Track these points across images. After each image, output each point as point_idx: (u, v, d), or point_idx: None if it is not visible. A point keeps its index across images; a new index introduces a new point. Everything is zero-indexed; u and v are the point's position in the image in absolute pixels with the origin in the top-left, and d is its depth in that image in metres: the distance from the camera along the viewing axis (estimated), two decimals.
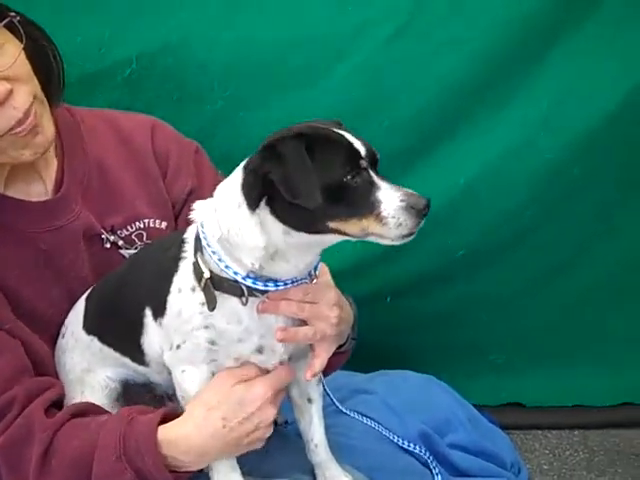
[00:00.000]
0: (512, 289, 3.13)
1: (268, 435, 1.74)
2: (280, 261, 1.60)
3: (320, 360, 1.74)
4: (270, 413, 1.69)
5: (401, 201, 1.50)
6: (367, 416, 2.18)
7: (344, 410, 2.13)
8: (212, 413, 1.67)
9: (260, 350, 1.69)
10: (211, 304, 1.62)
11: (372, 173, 1.53)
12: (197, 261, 1.63)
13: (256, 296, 1.63)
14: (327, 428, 1.94)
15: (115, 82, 2.59)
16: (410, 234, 1.53)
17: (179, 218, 2.10)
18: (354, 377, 2.47)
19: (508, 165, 2.87)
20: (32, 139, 1.78)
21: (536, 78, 2.79)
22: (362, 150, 1.54)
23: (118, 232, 2.00)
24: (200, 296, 1.64)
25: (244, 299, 1.62)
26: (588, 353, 3.25)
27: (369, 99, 2.73)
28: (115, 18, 2.54)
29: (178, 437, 1.68)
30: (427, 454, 2.14)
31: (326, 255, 2.65)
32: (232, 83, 2.66)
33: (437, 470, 2.11)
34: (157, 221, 2.05)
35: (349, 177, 1.51)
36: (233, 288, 1.61)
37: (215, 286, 1.62)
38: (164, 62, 2.59)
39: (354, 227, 1.52)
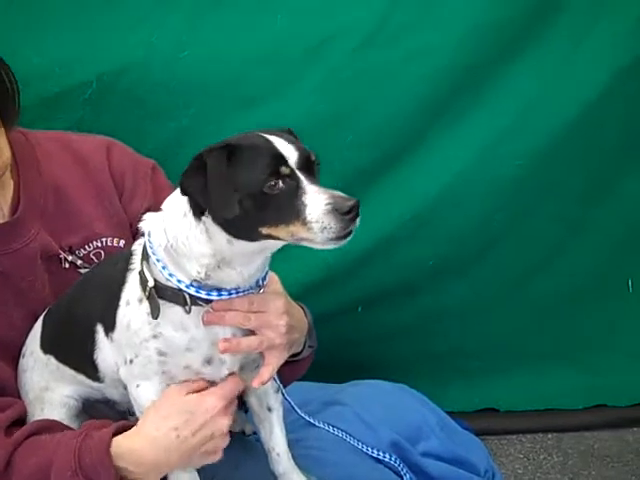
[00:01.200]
0: (483, 296, 3.16)
1: (224, 446, 1.73)
2: (226, 268, 1.59)
3: (269, 368, 1.73)
4: (222, 423, 1.68)
5: (326, 205, 1.48)
6: (338, 428, 2.17)
7: (312, 421, 2.12)
8: (164, 424, 1.66)
9: (209, 361, 1.68)
10: (154, 312, 1.62)
11: (302, 177, 1.51)
12: (142, 270, 1.64)
13: (201, 305, 1.63)
14: (297, 441, 1.94)
15: (77, 102, 2.59)
16: (339, 237, 1.50)
17: (136, 237, 2.09)
18: (325, 389, 2.46)
19: (475, 174, 2.90)
20: None
21: (503, 87, 2.83)
22: (290, 155, 1.52)
23: (76, 252, 1.99)
24: (147, 306, 1.64)
25: (187, 307, 1.62)
26: (560, 357, 3.28)
27: (335, 112, 2.75)
28: (75, 38, 2.54)
29: (131, 450, 1.67)
30: (399, 463, 2.13)
31: (296, 265, 2.67)
32: (196, 100, 2.66)
33: (409, 478, 2.10)
34: (115, 239, 2.05)
35: (270, 184, 1.50)
36: (176, 297, 1.61)
37: (159, 294, 1.62)
38: (125, 81, 2.59)
39: (284, 233, 1.51)
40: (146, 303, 1.63)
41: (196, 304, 1.62)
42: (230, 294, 1.63)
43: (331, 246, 1.53)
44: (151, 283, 1.61)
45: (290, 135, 1.60)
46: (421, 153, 2.88)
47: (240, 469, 1.96)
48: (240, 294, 1.64)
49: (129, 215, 2.09)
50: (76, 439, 1.68)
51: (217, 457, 1.73)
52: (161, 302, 1.62)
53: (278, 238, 1.53)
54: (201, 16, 2.61)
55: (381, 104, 2.76)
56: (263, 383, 1.74)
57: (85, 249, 2.00)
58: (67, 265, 1.97)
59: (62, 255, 1.97)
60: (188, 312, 1.62)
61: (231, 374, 1.72)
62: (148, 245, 1.64)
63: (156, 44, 2.58)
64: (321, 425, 2.14)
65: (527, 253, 3.12)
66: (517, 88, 2.83)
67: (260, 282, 1.69)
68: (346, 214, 1.47)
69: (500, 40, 2.76)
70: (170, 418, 1.66)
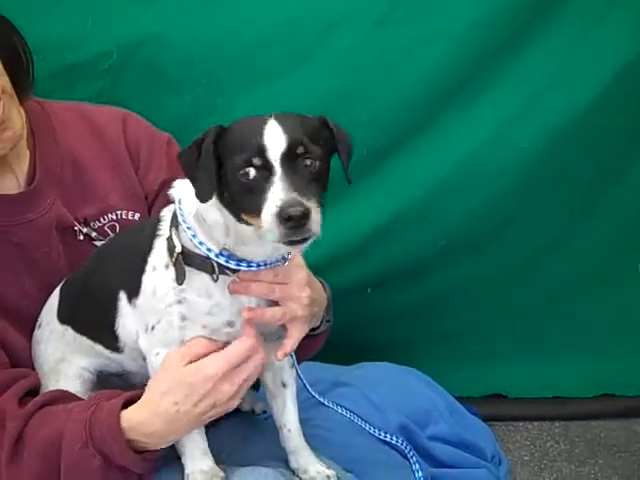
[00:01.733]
0: (493, 278, 3.14)
1: (233, 406, 1.71)
2: (243, 246, 1.61)
3: (292, 340, 1.73)
4: (225, 390, 1.65)
5: (275, 207, 1.44)
6: (346, 408, 2.17)
7: (322, 401, 2.12)
8: (164, 398, 1.65)
9: (230, 324, 1.68)
10: (180, 278, 1.62)
11: (277, 170, 1.47)
12: (171, 236, 1.64)
13: (227, 274, 1.63)
14: (305, 420, 1.94)
15: (97, 73, 2.60)
16: (290, 242, 1.48)
17: (152, 210, 2.10)
18: (333, 370, 2.46)
19: (488, 155, 2.88)
20: (0, 134, 1.78)
21: (515, 69, 2.81)
22: (274, 146, 1.49)
23: (91, 224, 2.00)
24: (173, 272, 1.64)
25: (215, 276, 1.62)
26: (569, 344, 3.26)
27: (349, 89, 2.74)
28: (96, 9, 2.55)
29: (138, 423, 1.67)
30: (406, 446, 2.13)
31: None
32: (213, 73, 2.67)
33: (415, 460, 2.10)
34: (130, 213, 2.05)
35: (243, 171, 1.50)
36: (204, 264, 1.62)
37: (186, 261, 1.62)
38: (144, 53, 2.60)
39: (256, 222, 1.50)
40: (172, 269, 1.64)
41: (223, 273, 1.63)
42: (259, 266, 1.64)
43: (288, 248, 1.54)
44: (178, 249, 1.62)
45: (297, 122, 1.55)
46: (432, 134, 2.86)
47: (247, 444, 1.97)
48: (267, 266, 1.65)
49: (144, 188, 2.10)
50: (86, 411, 1.69)
51: (230, 407, 1.71)
52: (187, 269, 1.62)
53: (257, 226, 1.51)
54: None
55: (393, 85, 2.76)
56: (286, 354, 1.74)
57: (100, 221, 2.01)
58: (82, 237, 1.98)
59: (77, 227, 1.97)
60: (215, 280, 1.63)
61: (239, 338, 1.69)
62: (179, 212, 1.64)
63: (175, 17, 2.59)
64: (330, 405, 2.14)
65: (536, 236, 3.10)
66: (528, 73, 2.80)
67: (285, 255, 1.69)
68: (286, 221, 1.44)
69: (512, 24, 2.73)
70: (169, 393, 1.65)
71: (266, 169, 1.48)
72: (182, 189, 1.66)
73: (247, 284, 1.65)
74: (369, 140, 2.77)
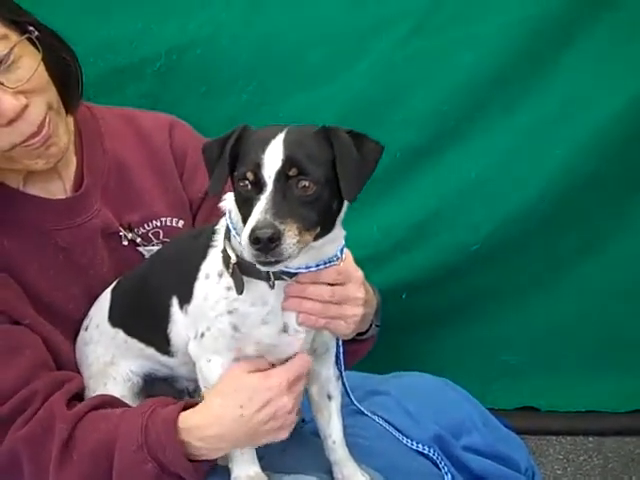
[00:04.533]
0: (524, 287, 3.15)
1: (291, 424, 1.73)
2: None
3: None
4: (287, 401, 1.68)
5: (250, 226, 1.45)
6: (382, 417, 2.17)
7: (362, 409, 2.12)
8: (229, 401, 1.67)
9: (285, 329, 1.69)
10: (239, 288, 1.63)
11: (268, 188, 1.48)
12: (225, 248, 1.65)
13: (284, 279, 1.64)
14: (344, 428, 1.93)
15: (145, 75, 2.67)
16: (262, 263, 1.49)
17: (196, 217, 2.12)
18: (368, 378, 2.45)
19: (521, 160, 2.90)
20: (45, 151, 1.81)
21: (549, 76, 2.83)
22: (270, 163, 1.49)
23: (135, 230, 2.02)
24: (226, 281, 1.65)
25: (271, 282, 1.63)
26: (604, 358, 3.24)
27: (385, 95, 2.79)
28: (146, 14, 2.63)
29: (197, 426, 1.69)
30: (438, 456, 2.13)
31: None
32: (256, 77, 2.74)
33: (447, 471, 2.10)
34: (174, 220, 2.07)
35: (241, 183, 1.52)
36: (259, 272, 1.61)
37: (242, 271, 1.62)
38: (192, 56, 2.67)
39: None
40: (225, 278, 1.65)
41: (279, 278, 1.63)
42: (318, 266, 1.64)
43: (262, 268, 1.54)
44: (234, 259, 1.62)
45: (303, 140, 1.54)
46: (465, 138, 2.88)
47: (286, 452, 1.96)
48: (326, 265, 1.65)
49: (189, 195, 2.11)
50: (142, 415, 1.70)
51: (284, 435, 1.74)
52: (244, 278, 1.63)
53: None
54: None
55: (429, 89, 2.79)
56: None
57: (144, 227, 2.03)
58: (126, 243, 2.00)
59: (122, 232, 1.99)
60: (272, 287, 1.63)
61: (297, 354, 1.73)
62: (229, 223, 1.65)
63: (224, 22, 2.66)
64: (369, 414, 2.14)
65: (570, 244, 3.09)
66: (562, 79, 2.82)
67: (339, 254, 1.68)
68: (255, 243, 1.44)
69: (548, 32, 2.75)
70: (234, 395, 1.67)
71: (258, 185, 1.50)
72: (231, 200, 1.66)
73: (304, 287, 1.65)
74: (404, 142, 2.81)
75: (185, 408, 1.72)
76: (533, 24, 2.73)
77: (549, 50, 2.79)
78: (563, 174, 2.92)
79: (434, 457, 2.12)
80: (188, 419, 1.69)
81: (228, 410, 1.67)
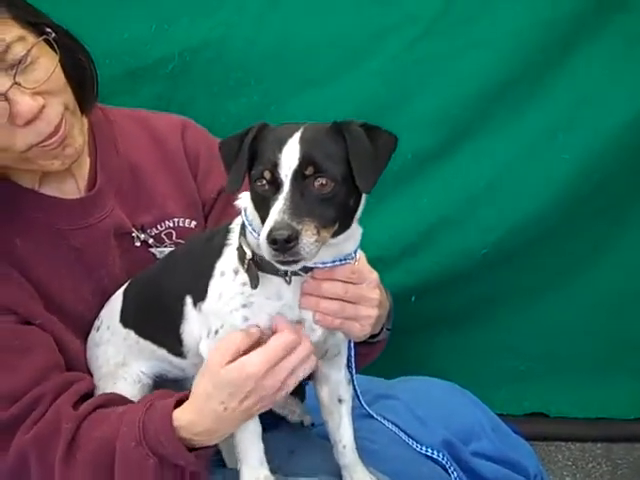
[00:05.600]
0: (535, 289, 3.14)
1: (282, 398, 1.71)
2: None
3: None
4: (269, 385, 1.64)
5: (268, 227, 1.46)
6: (391, 421, 2.17)
7: (372, 413, 2.12)
8: (210, 399, 1.65)
9: (300, 322, 1.69)
10: (253, 282, 1.63)
11: (285, 187, 1.49)
12: (240, 245, 1.65)
13: (300, 274, 1.64)
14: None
15: (158, 76, 2.68)
16: (281, 262, 1.49)
17: (209, 218, 2.12)
18: (377, 382, 2.46)
19: (529, 166, 2.89)
20: (62, 151, 1.82)
21: (556, 81, 2.82)
22: (287, 162, 1.50)
23: (148, 231, 2.03)
24: (242, 277, 1.65)
25: (288, 278, 1.63)
26: (613, 364, 3.23)
27: (394, 98, 2.79)
28: (160, 16, 2.64)
29: (187, 423, 1.68)
30: (447, 461, 2.12)
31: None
32: (267, 78, 2.74)
33: (456, 476, 2.10)
34: (187, 220, 2.07)
35: (259, 183, 1.53)
36: (275, 268, 1.60)
37: (258, 267, 1.62)
38: (204, 58, 2.68)
39: None
40: (241, 274, 1.65)
41: (296, 274, 1.63)
42: (334, 262, 1.64)
43: (281, 267, 1.54)
44: (249, 255, 1.62)
45: (319, 138, 1.55)
46: (474, 142, 2.88)
47: (296, 456, 1.98)
48: (342, 262, 1.65)
49: (202, 196, 2.12)
50: (140, 411, 1.71)
51: (280, 398, 1.71)
52: (259, 274, 1.62)
53: None
54: (278, 1, 2.68)
55: (438, 92, 2.79)
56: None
57: (157, 228, 2.04)
58: (139, 243, 2.01)
59: (134, 233, 2.00)
60: (289, 282, 1.63)
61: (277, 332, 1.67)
62: (245, 220, 1.65)
63: (236, 23, 2.67)
64: (379, 418, 2.14)
65: (578, 249, 3.09)
66: (571, 84, 2.81)
67: (354, 254, 1.69)
68: (272, 243, 1.45)
69: (557, 36, 2.75)
70: (214, 393, 1.65)
71: (275, 184, 1.50)
72: (247, 199, 1.67)
73: (319, 283, 1.65)
74: (412, 145, 2.80)
75: (181, 400, 1.71)
76: (542, 28, 2.73)
77: (558, 54, 2.78)
78: (572, 179, 2.91)
79: (443, 462, 2.12)
80: (180, 417, 1.68)
81: (212, 407, 1.66)
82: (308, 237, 1.46)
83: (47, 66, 1.75)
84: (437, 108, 2.81)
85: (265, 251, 1.47)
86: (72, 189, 1.97)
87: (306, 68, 2.75)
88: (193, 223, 2.08)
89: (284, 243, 1.43)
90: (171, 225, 2.05)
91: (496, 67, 2.76)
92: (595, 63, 2.79)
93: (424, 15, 2.72)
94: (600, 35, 2.77)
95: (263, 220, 1.50)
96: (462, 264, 3.01)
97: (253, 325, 1.66)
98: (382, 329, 1.96)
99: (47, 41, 1.77)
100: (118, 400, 1.84)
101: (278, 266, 1.53)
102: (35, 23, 1.77)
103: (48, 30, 1.77)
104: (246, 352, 1.64)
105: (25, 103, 1.71)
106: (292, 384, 1.69)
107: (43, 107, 1.73)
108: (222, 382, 1.64)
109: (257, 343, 1.66)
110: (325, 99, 2.74)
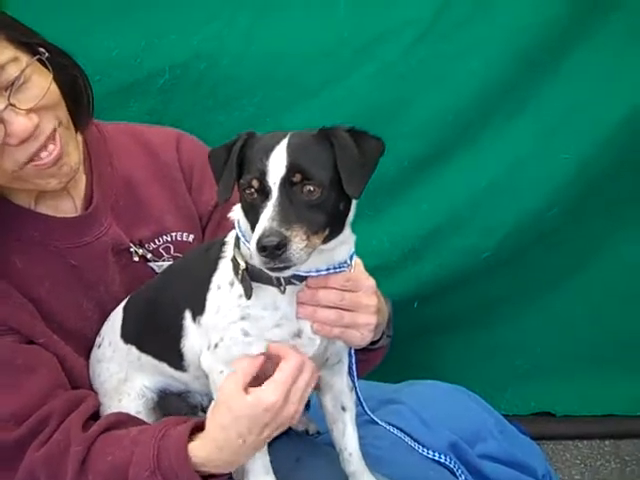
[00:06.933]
0: (538, 290, 3.14)
1: (296, 419, 1.71)
2: None
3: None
4: (287, 413, 1.65)
5: (257, 234, 1.47)
6: (396, 426, 2.16)
7: (376, 420, 2.12)
8: (228, 433, 1.64)
9: (298, 334, 1.69)
10: (247, 292, 1.63)
11: (274, 195, 1.49)
12: (234, 256, 1.66)
13: (294, 284, 1.64)
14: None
15: (149, 91, 2.69)
16: (271, 269, 1.50)
17: (206, 230, 2.12)
18: (382, 387, 2.46)
19: (530, 166, 2.89)
20: (58, 170, 1.82)
21: (556, 82, 2.82)
22: (274, 170, 1.51)
23: (146, 245, 2.03)
24: (238, 289, 1.66)
25: (282, 288, 1.63)
26: (619, 362, 3.23)
27: (391, 103, 2.79)
28: (150, 31, 2.64)
29: (205, 459, 1.68)
30: (454, 464, 2.12)
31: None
32: (261, 90, 2.74)
33: (464, 478, 2.09)
34: (184, 234, 2.07)
35: (247, 191, 1.54)
36: (270, 278, 1.61)
37: (252, 277, 1.63)
38: (195, 72, 2.69)
39: None
40: (237, 286, 1.65)
41: (290, 283, 1.63)
42: (328, 270, 1.64)
43: (271, 274, 1.55)
44: (243, 266, 1.63)
45: (305, 144, 1.55)
46: (474, 145, 2.88)
47: (301, 464, 1.97)
48: (337, 270, 1.65)
49: (199, 208, 2.11)
50: (154, 438, 1.69)
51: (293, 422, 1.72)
52: (254, 284, 1.63)
53: None
54: (268, 13, 2.68)
55: (433, 97, 2.79)
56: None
57: (155, 243, 2.04)
58: (137, 258, 2.01)
59: (132, 249, 2.00)
60: (283, 292, 1.63)
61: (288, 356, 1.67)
62: (239, 231, 1.65)
63: (226, 38, 2.67)
64: (383, 424, 2.14)
65: (581, 248, 3.10)
66: (570, 84, 2.82)
67: (348, 261, 1.68)
68: (262, 250, 1.45)
69: (552, 37, 2.75)
70: (233, 427, 1.64)
71: (264, 192, 1.51)
72: (239, 211, 1.67)
73: (314, 292, 1.64)
74: (410, 151, 2.81)
75: (195, 427, 1.70)
76: (540, 30, 2.73)
77: (555, 56, 2.79)
78: (572, 179, 2.91)
79: (450, 465, 2.12)
80: (196, 452, 1.67)
81: (228, 442, 1.65)
82: (297, 243, 1.46)
83: (41, 84, 1.76)
84: (435, 113, 2.81)
85: (256, 258, 1.48)
86: (68, 207, 1.97)
87: (302, 77, 2.75)
88: (191, 237, 2.08)
89: (273, 250, 1.44)
90: (169, 239, 2.05)
91: (493, 70, 2.77)
92: (593, 63, 2.79)
93: (420, 20, 2.72)
94: (598, 35, 2.77)
95: (254, 228, 1.51)
96: (464, 268, 3.02)
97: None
98: (382, 335, 1.95)
99: (41, 60, 1.77)
100: (127, 421, 1.83)
101: (269, 273, 1.54)
102: (28, 43, 1.77)
103: (41, 50, 1.77)
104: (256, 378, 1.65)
105: (20, 123, 1.71)
106: (303, 405, 1.70)
107: (37, 125, 1.74)
108: (240, 417, 1.63)
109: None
110: (323, 108, 2.74)
